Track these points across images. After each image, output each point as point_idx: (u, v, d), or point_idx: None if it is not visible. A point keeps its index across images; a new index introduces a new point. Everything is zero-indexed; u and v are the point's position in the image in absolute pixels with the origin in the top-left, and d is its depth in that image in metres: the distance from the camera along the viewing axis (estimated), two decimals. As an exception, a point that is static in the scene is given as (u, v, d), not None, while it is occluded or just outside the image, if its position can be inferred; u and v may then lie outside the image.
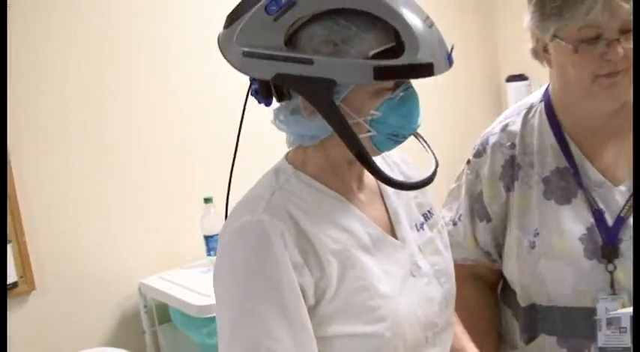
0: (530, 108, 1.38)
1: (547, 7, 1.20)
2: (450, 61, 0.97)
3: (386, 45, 0.95)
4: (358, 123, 0.98)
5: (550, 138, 1.33)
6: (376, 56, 0.94)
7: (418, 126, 1.03)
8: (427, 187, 1.20)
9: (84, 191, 2.40)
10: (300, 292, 0.98)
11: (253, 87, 1.03)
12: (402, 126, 1.00)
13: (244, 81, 1.08)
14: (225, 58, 1.00)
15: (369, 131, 0.99)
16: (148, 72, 2.51)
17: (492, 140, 1.38)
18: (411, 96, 1.01)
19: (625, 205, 1.25)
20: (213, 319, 2.09)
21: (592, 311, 1.24)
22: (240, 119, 1.09)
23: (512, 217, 1.34)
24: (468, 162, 1.42)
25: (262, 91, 1.02)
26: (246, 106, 1.07)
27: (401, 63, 0.93)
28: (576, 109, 1.30)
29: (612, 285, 1.23)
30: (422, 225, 1.17)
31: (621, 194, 1.26)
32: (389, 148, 1.05)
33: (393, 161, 1.21)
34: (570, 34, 1.18)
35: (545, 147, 1.33)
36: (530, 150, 1.34)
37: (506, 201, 1.36)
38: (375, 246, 1.06)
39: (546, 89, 1.38)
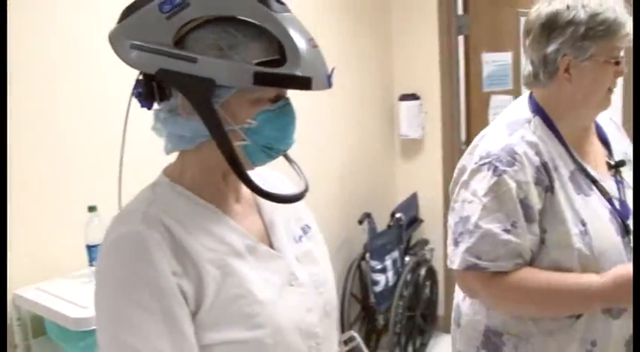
0: (529, 122, 1.61)
1: (592, 30, 1.47)
2: (329, 82, 1.02)
3: (270, 56, 0.99)
4: (234, 131, 1.01)
5: (557, 145, 1.59)
6: (259, 65, 0.98)
7: (293, 142, 1.08)
8: (301, 204, 1.25)
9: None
10: (183, 299, 0.98)
11: (137, 90, 1.04)
12: (275, 139, 1.04)
13: (130, 86, 1.06)
14: (114, 50, 1.01)
15: (244, 140, 1.02)
16: (25, 71, 2.37)
17: (519, 149, 1.55)
18: (288, 112, 1.05)
19: (620, 192, 1.61)
20: (90, 332, 2.02)
21: None
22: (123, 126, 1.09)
23: (557, 214, 1.54)
24: (504, 172, 1.54)
25: (145, 92, 1.03)
26: (133, 115, 1.07)
27: (282, 72, 0.97)
28: (574, 119, 1.60)
29: (628, 257, 1.56)
30: (300, 237, 1.21)
31: (613, 184, 1.63)
32: (262, 161, 1.08)
33: (269, 178, 1.26)
34: (607, 53, 1.50)
35: (560, 153, 1.58)
36: (550, 156, 1.57)
37: (545, 202, 1.55)
38: (251, 254, 1.08)
39: (534, 105, 1.63)
